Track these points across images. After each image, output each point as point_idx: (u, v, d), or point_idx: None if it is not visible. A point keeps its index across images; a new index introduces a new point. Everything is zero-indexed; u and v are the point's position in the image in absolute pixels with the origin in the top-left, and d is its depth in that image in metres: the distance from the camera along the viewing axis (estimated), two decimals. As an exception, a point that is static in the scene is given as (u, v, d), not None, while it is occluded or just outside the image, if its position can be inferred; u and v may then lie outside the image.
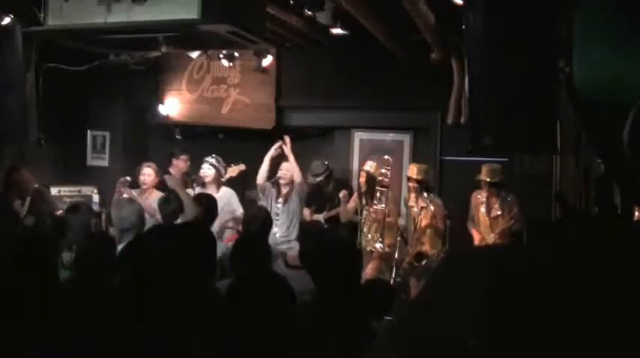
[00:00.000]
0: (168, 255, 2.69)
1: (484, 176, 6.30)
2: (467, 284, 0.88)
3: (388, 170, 6.69)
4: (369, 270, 6.26)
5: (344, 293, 2.93)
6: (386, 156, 6.92)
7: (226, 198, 6.58)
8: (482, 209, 6.39)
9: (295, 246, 6.34)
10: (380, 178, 6.63)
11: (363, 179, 6.71)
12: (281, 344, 2.69)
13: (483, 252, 1.08)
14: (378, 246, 6.40)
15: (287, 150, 6.76)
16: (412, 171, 6.56)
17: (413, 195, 6.56)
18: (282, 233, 6.53)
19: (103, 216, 7.22)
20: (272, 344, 2.67)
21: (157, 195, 6.41)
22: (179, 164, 7.35)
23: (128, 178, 6.72)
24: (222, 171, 6.83)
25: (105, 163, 8.69)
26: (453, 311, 0.87)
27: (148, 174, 6.63)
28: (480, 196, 6.45)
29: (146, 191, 6.57)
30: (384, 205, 6.55)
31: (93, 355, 2.37)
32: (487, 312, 0.84)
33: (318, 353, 2.71)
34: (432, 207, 6.33)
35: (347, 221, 6.85)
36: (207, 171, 6.66)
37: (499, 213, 6.30)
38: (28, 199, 6.65)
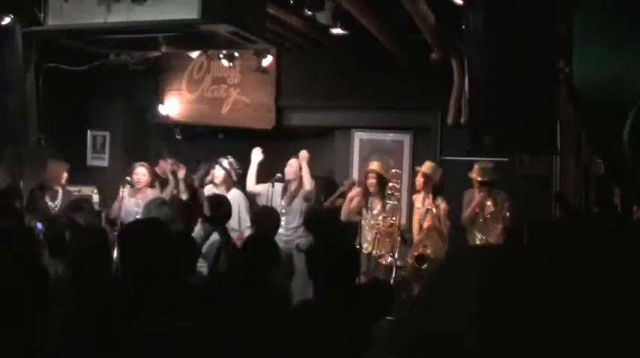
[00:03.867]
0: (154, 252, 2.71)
1: (475, 174, 6.30)
2: (466, 284, 0.88)
3: (397, 182, 6.66)
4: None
5: (343, 294, 2.93)
6: (394, 170, 6.89)
7: (235, 201, 6.64)
8: (478, 206, 6.37)
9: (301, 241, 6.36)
10: (390, 191, 6.58)
11: (374, 181, 6.52)
12: (281, 344, 2.69)
13: (483, 252, 1.08)
14: (390, 259, 6.35)
15: (304, 164, 6.70)
16: (423, 166, 6.56)
17: (421, 195, 6.55)
18: (286, 232, 6.52)
19: (103, 216, 7.23)
20: (272, 344, 2.67)
21: (151, 194, 6.50)
22: (164, 166, 7.37)
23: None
24: (233, 174, 6.86)
25: (105, 163, 8.70)
26: (453, 311, 0.87)
27: (142, 173, 6.72)
28: (474, 194, 6.43)
29: (140, 190, 6.65)
30: (395, 218, 6.43)
31: (92, 347, 2.37)
32: (487, 312, 0.84)
33: (317, 353, 2.71)
34: (435, 210, 6.33)
35: (347, 220, 6.79)
36: (217, 172, 6.78)
37: (492, 210, 6.30)
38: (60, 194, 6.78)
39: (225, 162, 6.83)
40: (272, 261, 3.84)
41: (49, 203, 6.61)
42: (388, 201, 6.52)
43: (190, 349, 2.44)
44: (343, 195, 7.09)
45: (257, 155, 6.85)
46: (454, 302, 0.87)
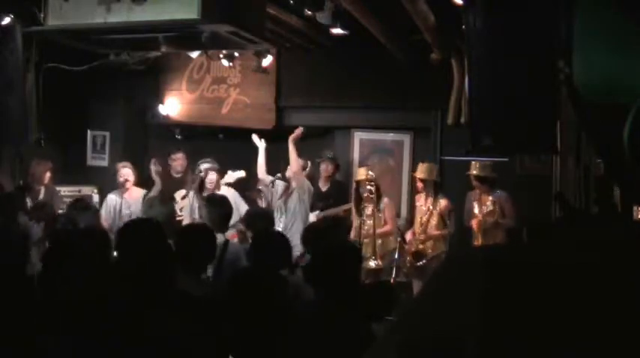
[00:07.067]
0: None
1: (471, 170, 6.34)
2: (467, 284, 0.88)
3: (372, 185, 6.58)
4: None
5: (344, 294, 2.93)
6: (367, 170, 6.83)
7: (230, 197, 6.63)
8: (476, 206, 6.41)
9: (296, 246, 6.35)
10: (365, 194, 6.55)
11: (372, 188, 6.53)
12: (281, 343, 2.69)
13: (482, 252, 1.08)
14: (373, 263, 6.35)
15: (291, 143, 6.67)
16: (418, 170, 6.56)
17: (422, 196, 6.56)
18: (284, 232, 6.51)
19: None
20: (272, 343, 2.67)
21: (138, 192, 6.56)
22: (174, 163, 7.39)
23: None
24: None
25: (105, 163, 8.70)
26: (453, 311, 0.87)
27: (128, 174, 6.78)
28: (474, 194, 6.47)
29: (128, 190, 6.71)
30: (371, 221, 6.46)
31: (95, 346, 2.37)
32: (487, 312, 0.84)
33: (318, 354, 2.71)
34: (437, 209, 6.34)
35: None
36: (211, 177, 6.71)
37: (490, 209, 6.32)
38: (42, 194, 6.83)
39: (207, 165, 6.75)
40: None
41: (29, 203, 6.62)
42: (364, 205, 6.52)
43: (191, 348, 2.44)
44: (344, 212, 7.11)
45: (260, 142, 6.80)
46: (454, 302, 0.87)
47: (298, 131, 6.77)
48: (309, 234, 4.99)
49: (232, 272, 3.66)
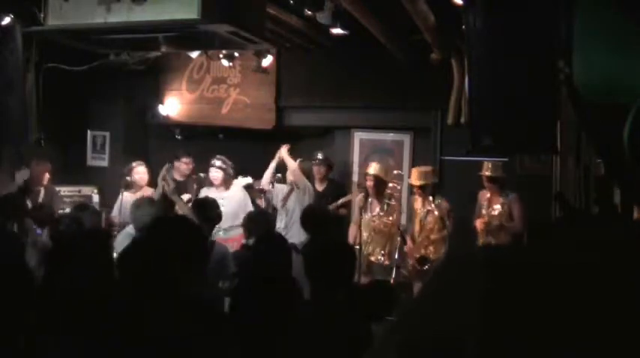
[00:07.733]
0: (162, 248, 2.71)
1: (484, 171, 6.32)
2: (467, 284, 0.88)
3: (399, 184, 6.63)
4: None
5: (342, 294, 2.93)
6: (396, 171, 6.88)
7: (238, 197, 6.67)
8: (484, 206, 6.39)
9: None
10: (390, 191, 6.57)
11: (371, 183, 6.49)
12: (281, 343, 2.69)
13: (483, 252, 1.08)
14: (380, 258, 6.38)
15: (284, 153, 6.89)
16: (413, 177, 6.52)
17: (419, 199, 6.52)
18: (283, 233, 6.53)
19: (104, 216, 7.23)
20: (273, 344, 2.67)
21: (149, 192, 6.54)
22: (180, 166, 7.38)
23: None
24: (231, 171, 6.88)
25: (105, 163, 8.70)
26: (453, 310, 0.87)
27: (143, 172, 6.78)
28: (484, 194, 6.45)
29: (141, 189, 6.70)
30: (392, 218, 6.49)
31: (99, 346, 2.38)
32: (487, 312, 0.84)
33: (317, 354, 2.71)
34: (436, 212, 6.31)
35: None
36: (215, 174, 6.76)
37: (499, 211, 6.31)
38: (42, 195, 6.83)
39: (218, 163, 6.81)
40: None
41: (29, 204, 6.59)
42: (387, 202, 6.52)
43: (190, 348, 2.44)
44: (345, 206, 7.14)
45: (284, 152, 6.91)
46: (454, 302, 0.87)
47: (285, 147, 6.97)
48: (308, 215, 5.01)
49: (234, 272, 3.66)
